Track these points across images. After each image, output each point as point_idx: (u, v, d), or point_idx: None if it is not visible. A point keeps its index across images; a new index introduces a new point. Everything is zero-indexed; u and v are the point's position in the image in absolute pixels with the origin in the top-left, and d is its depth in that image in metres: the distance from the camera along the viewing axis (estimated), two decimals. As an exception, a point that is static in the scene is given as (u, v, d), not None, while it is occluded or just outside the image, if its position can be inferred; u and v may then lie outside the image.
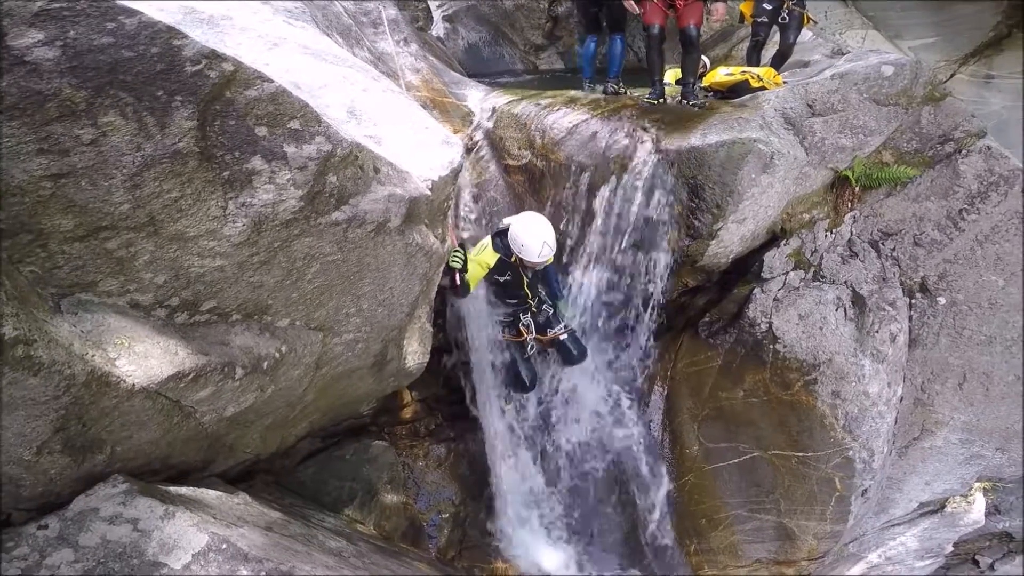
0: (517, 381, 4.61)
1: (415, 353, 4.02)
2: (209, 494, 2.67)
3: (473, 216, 4.75)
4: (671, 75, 5.38)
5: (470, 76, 5.76)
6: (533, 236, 3.79)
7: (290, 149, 2.07)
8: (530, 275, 4.21)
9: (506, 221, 4.04)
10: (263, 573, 2.19)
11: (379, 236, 2.67)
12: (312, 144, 2.14)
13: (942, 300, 4.31)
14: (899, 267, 4.39)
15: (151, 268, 1.99)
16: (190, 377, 2.09)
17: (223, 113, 1.86)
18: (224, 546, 2.17)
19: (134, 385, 1.94)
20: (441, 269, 3.82)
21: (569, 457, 5.62)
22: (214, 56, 1.80)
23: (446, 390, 5.14)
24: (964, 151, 4.41)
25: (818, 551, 5.03)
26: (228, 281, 2.22)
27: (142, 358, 1.96)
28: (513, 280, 4.17)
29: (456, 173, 3.39)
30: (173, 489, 2.47)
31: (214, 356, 2.19)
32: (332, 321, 2.85)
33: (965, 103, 4.64)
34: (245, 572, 2.16)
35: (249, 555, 2.22)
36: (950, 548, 5.37)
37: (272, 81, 1.96)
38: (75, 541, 2.04)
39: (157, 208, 1.86)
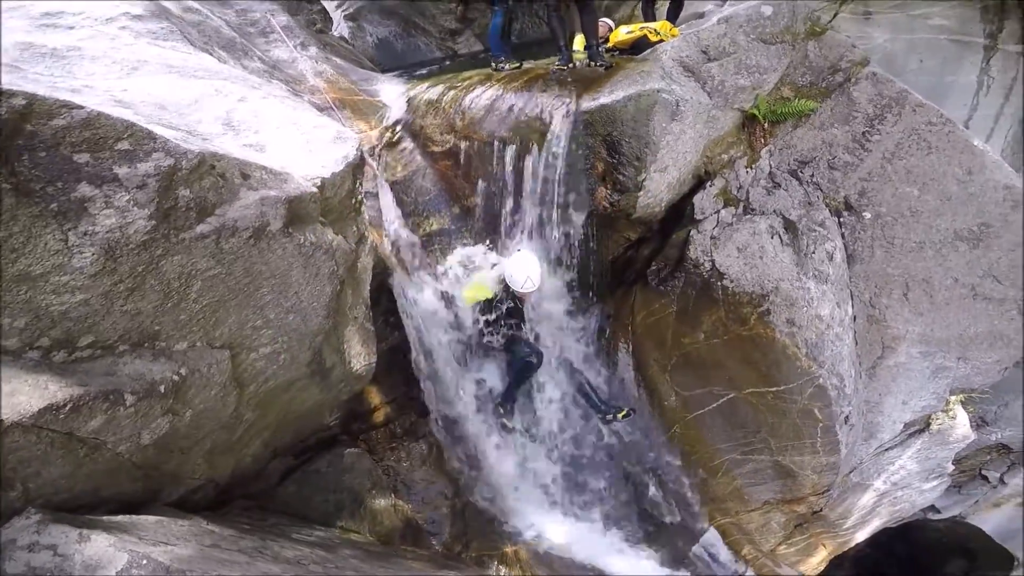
0: (526, 367, 4.81)
1: (359, 355, 4.02)
2: (147, 520, 2.71)
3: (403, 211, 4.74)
4: (579, 41, 5.36)
5: (387, 71, 5.71)
6: (519, 270, 4.46)
7: (122, 170, 2.07)
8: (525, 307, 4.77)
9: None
10: (185, 583, 2.24)
11: (261, 242, 2.66)
12: (148, 161, 2.14)
13: (867, 215, 4.46)
14: (821, 191, 4.53)
15: (5, 313, 2.00)
16: (67, 408, 2.11)
17: (29, 147, 1.85)
18: (144, 562, 2.22)
19: (2, 422, 1.96)
20: (364, 265, 3.83)
21: (559, 429, 5.61)
22: (-4, 94, 1.79)
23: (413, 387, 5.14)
24: (853, 79, 4.65)
25: (821, 485, 5.01)
26: (98, 314, 2.23)
27: (8, 396, 1.98)
28: (514, 308, 4.69)
29: (353, 167, 3.37)
30: (107, 518, 2.53)
31: (94, 386, 2.20)
32: (239, 336, 2.85)
33: (851, 39, 4.88)
34: (168, 584, 2.21)
35: (171, 568, 2.26)
36: (951, 466, 5.34)
37: (82, 107, 1.95)
38: (2, 570, 2.10)
39: (-13, 252, 1.87)
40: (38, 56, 2.42)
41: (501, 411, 4.83)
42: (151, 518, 2.76)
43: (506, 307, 4.66)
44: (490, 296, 4.61)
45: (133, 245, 2.19)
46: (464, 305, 4.73)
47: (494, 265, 4.77)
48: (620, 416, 4.94)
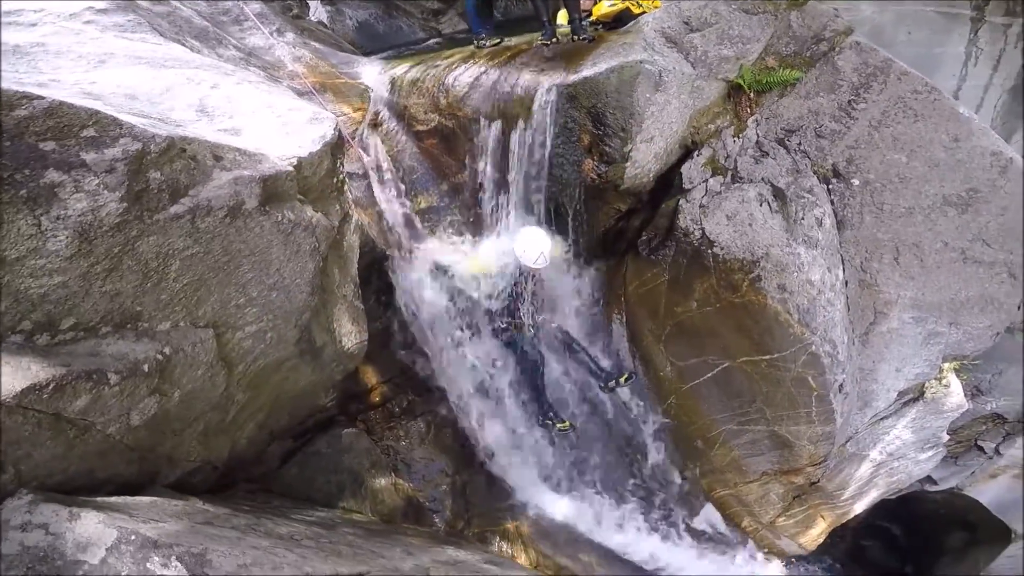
0: (535, 369, 4.86)
1: (350, 334, 4.05)
2: (142, 500, 2.77)
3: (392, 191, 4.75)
4: (562, 16, 5.32)
5: (369, 54, 5.69)
6: (532, 245, 4.43)
7: (89, 156, 2.10)
8: (529, 284, 4.78)
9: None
10: (174, 556, 2.31)
11: (237, 220, 2.69)
12: (116, 147, 2.17)
13: (856, 181, 4.45)
14: (809, 158, 4.52)
15: (-16, 297, 2.05)
16: (50, 388, 2.16)
17: (-6, 137, 1.89)
18: (133, 537, 2.28)
19: (-15, 402, 2.02)
20: (350, 244, 3.86)
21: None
22: (-44, 88, 1.82)
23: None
24: (837, 48, 4.61)
25: (818, 455, 5.03)
26: (78, 296, 2.27)
27: (-8, 378, 2.03)
28: (518, 286, 4.71)
29: (331, 146, 3.38)
30: (100, 499, 2.60)
31: (77, 366, 2.25)
32: (223, 315, 2.89)
33: (836, 10, 4.82)
34: (156, 558, 2.28)
35: (159, 542, 2.32)
36: (946, 436, 5.34)
37: (43, 98, 1.99)
38: (-2, 551, 2.18)
39: (-40, 238, 1.92)
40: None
41: (549, 424, 4.86)
42: (146, 499, 2.83)
43: (505, 286, 4.68)
44: (492, 272, 4.62)
45: (107, 227, 2.22)
46: (466, 278, 4.76)
47: (487, 243, 4.78)
48: (623, 380, 4.90)
